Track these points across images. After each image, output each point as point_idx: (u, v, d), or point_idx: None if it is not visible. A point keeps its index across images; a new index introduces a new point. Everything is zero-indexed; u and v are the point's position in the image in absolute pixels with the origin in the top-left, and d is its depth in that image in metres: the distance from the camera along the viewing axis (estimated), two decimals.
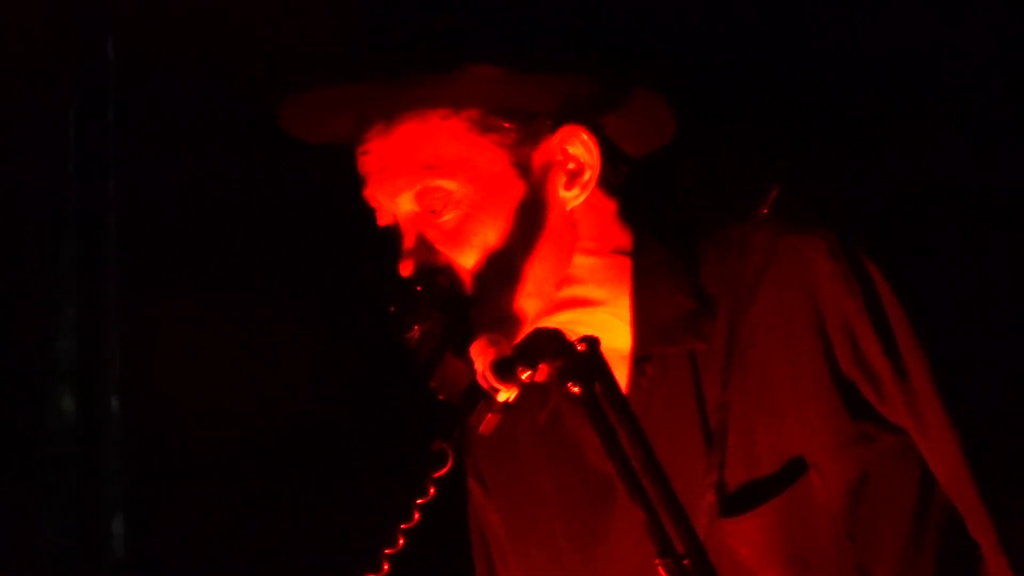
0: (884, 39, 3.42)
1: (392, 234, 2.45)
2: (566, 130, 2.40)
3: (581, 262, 2.46)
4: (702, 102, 2.76)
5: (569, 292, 2.47)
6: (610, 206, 2.45)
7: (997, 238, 2.81)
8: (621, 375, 2.46)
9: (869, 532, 2.49)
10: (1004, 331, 2.78)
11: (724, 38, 3.16)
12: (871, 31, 3.43)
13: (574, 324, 2.42)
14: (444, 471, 2.32)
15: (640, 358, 2.47)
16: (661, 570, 2.11)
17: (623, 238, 2.48)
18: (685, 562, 2.12)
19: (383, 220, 2.41)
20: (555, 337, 2.38)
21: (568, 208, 2.41)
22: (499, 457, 2.67)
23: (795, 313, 2.46)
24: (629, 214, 2.50)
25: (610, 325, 2.48)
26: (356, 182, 2.43)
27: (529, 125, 2.40)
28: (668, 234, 2.51)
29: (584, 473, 2.49)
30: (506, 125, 2.38)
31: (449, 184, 2.35)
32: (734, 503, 2.48)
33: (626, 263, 2.47)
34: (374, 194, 2.40)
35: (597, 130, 2.44)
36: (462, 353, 2.32)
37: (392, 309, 2.38)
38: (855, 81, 3.41)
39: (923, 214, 3.00)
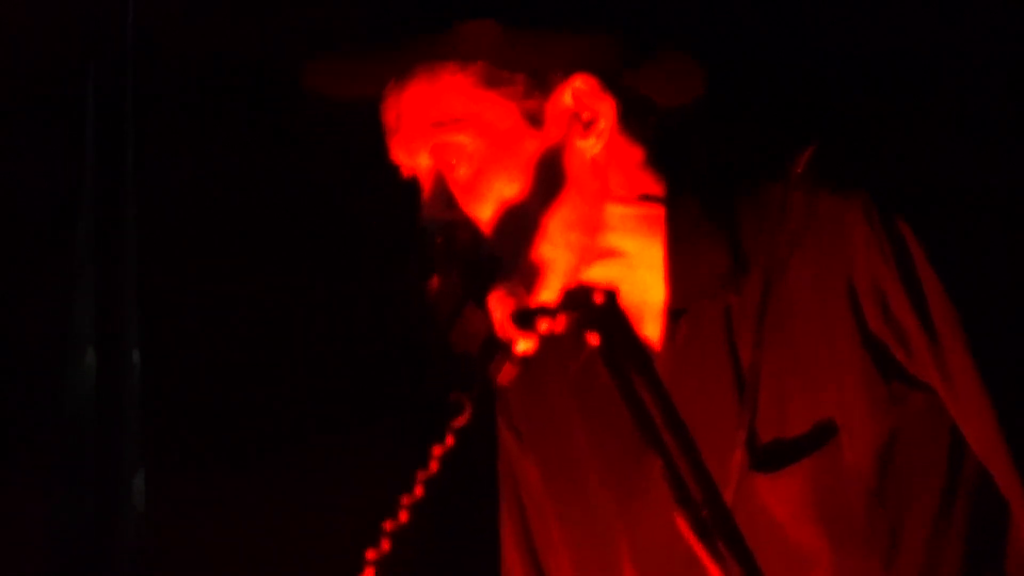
0: (884, 39, 3.43)
1: (416, 187, 2.46)
2: (576, 80, 2.40)
3: (612, 210, 2.45)
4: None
5: (602, 242, 2.47)
6: (637, 154, 2.44)
7: (997, 238, 2.80)
8: (655, 329, 2.48)
9: (899, 494, 2.49)
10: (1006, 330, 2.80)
11: (723, 38, 3.17)
12: (871, 31, 3.45)
13: (609, 277, 2.42)
14: (462, 421, 2.29)
15: (675, 312, 2.47)
16: (679, 519, 2.12)
17: (654, 187, 2.47)
18: (704, 513, 2.13)
19: (405, 174, 2.44)
20: (576, 289, 2.39)
21: (588, 157, 2.40)
22: (533, 409, 2.67)
23: (829, 275, 2.46)
24: (660, 163, 2.49)
25: (645, 279, 2.47)
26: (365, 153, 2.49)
27: (537, 77, 2.41)
28: (702, 186, 2.51)
29: (619, 426, 2.48)
30: (514, 77, 2.39)
31: (461, 139, 2.37)
32: (765, 460, 2.48)
33: (659, 213, 2.46)
34: (394, 150, 2.43)
35: (614, 79, 2.43)
36: (481, 304, 2.34)
37: (412, 260, 2.39)
38: (855, 81, 3.43)
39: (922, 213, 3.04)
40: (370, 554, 2.24)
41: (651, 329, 2.45)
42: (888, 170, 2.58)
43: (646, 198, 2.45)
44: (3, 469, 3.58)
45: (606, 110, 2.39)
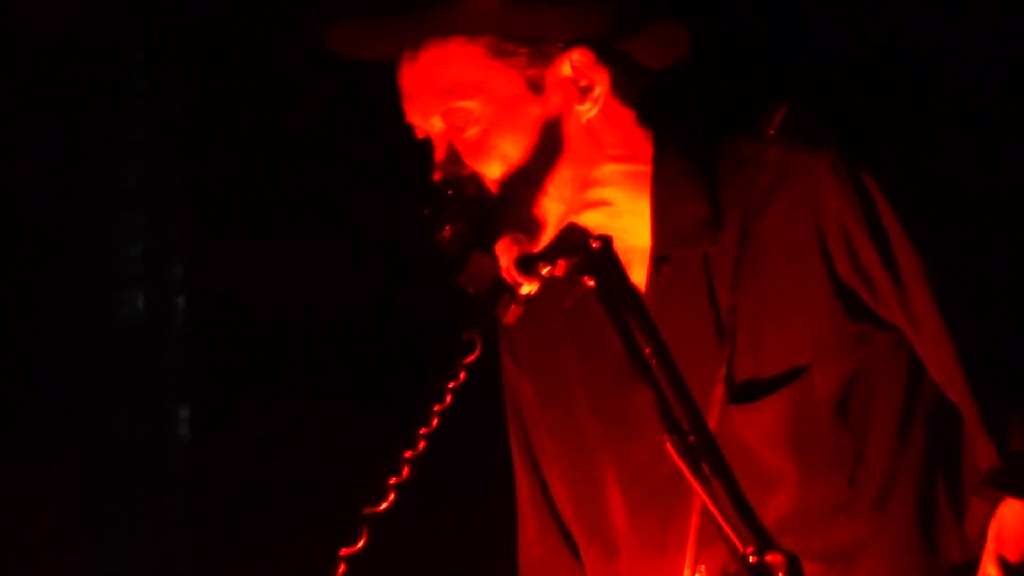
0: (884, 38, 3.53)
1: (428, 146, 2.63)
2: (575, 52, 2.58)
3: (605, 167, 2.63)
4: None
5: (594, 195, 2.64)
6: (628, 115, 2.62)
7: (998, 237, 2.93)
8: (641, 273, 2.67)
9: (863, 420, 2.68)
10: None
11: (723, 38, 3.28)
12: (871, 30, 3.53)
13: (600, 226, 2.59)
14: (473, 357, 2.48)
15: (659, 258, 2.65)
16: (668, 445, 2.25)
17: (643, 145, 2.65)
18: (691, 439, 2.27)
19: (420, 135, 2.62)
20: (574, 235, 2.56)
21: (584, 120, 2.58)
22: (531, 340, 2.85)
23: (801, 224, 2.63)
24: (648, 123, 2.66)
25: (631, 226, 2.66)
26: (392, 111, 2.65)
27: (540, 48, 2.58)
28: (686, 145, 2.68)
29: (607, 358, 2.66)
30: (518, 50, 2.57)
31: (470, 104, 2.55)
32: (742, 394, 2.66)
33: (647, 169, 2.64)
34: (410, 114, 2.61)
35: (608, 47, 2.60)
36: (488, 250, 2.50)
37: (426, 211, 2.57)
38: (855, 80, 3.51)
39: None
40: (392, 480, 2.45)
41: (637, 273, 2.63)
42: (855, 126, 2.73)
43: (635, 156, 2.64)
44: (62, 398, 3.78)
45: (601, 78, 2.58)
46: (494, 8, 2.58)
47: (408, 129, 2.69)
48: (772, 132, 2.64)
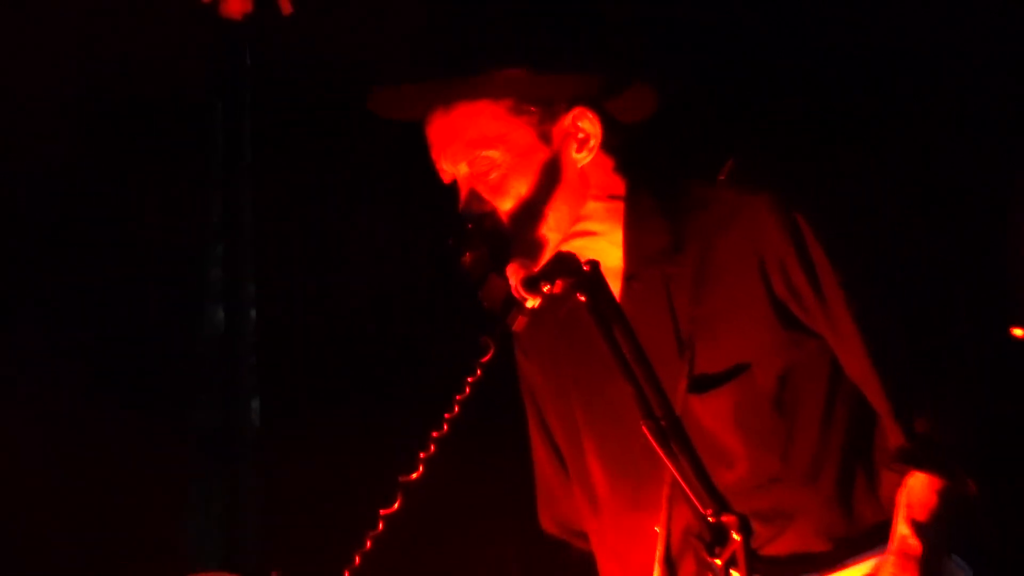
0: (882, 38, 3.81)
1: (453, 189, 3.01)
2: (577, 111, 2.99)
3: (589, 204, 3.03)
4: (686, 92, 3.27)
5: (581, 226, 3.03)
6: (609, 163, 3.02)
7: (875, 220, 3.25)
8: (615, 288, 3.04)
9: (794, 408, 3.07)
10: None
11: (724, 38, 3.64)
12: (870, 31, 3.82)
13: (583, 249, 2.98)
14: (488, 357, 2.90)
15: (629, 276, 3.06)
16: (644, 429, 2.65)
17: (620, 186, 3.05)
18: (662, 423, 2.64)
19: (446, 179, 3.01)
20: (569, 261, 2.92)
21: (579, 166, 3.00)
22: (536, 342, 3.23)
23: (745, 253, 3.03)
24: (624, 169, 3.07)
25: (608, 251, 3.05)
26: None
27: (549, 108, 2.99)
28: (653, 186, 3.08)
29: (594, 357, 3.00)
30: (532, 109, 2.97)
31: (493, 153, 2.96)
32: (700, 386, 3.04)
33: (620, 206, 3.04)
34: (439, 161, 3.00)
35: (599, 108, 3.01)
36: (501, 273, 2.91)
37: (450, 241, 2.96)
38: (850, 80, 3.82)
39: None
40: (422, 455, 2.86)
41: (614, 288, 2.98)
42: (786, 174, 3.12)
43: (613, 195, 3.05)
44: (161, 393, 4.12)
45: (595, 132, 3.00)
46: (517, 75, 2.98)
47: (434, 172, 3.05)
48: (722, 178, 3.04)
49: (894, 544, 2.98)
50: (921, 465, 2.97)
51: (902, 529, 2.95)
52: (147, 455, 4.11)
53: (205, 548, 4.16)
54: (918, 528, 2.96)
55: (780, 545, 3.06)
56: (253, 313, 4.21)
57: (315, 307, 4.20)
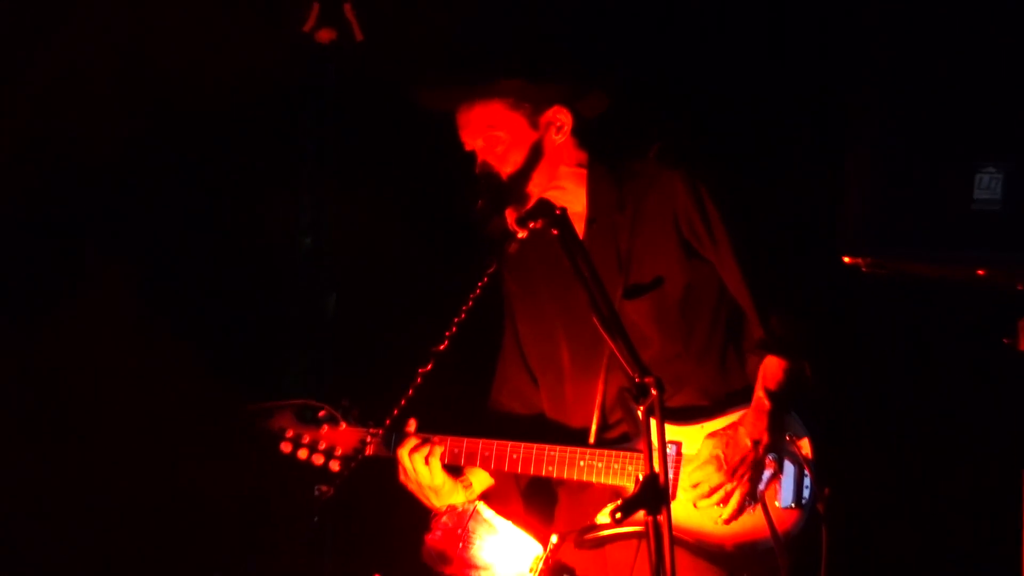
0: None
1: (471, 157, 3.85)
2: (556, 107, 3.85)
3: (561, 169, 3.88)
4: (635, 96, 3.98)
5: (556, 184, 3.88)
6: (577, 143, 3.87)
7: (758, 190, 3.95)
8: (580, 228, 3.87)
9: (693, 310, 3.86)
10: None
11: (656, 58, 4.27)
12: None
13: (557, 199, 3.71)
14: (493, 269, 3.74)
15: (591, 220, 3.90)
16: (594, 320, 3.31)
17: (583, 159, 3.90)
18: (606, 316, 3.32)
19: (468, 149, 3.83)
20: (548, 207, 3.60)
21: (556, 144, 3.86)
22: (519, 263, 3.99)
23: (664, 208, 3.85)
24: (585, 147, 3.90)
25: (575, 202, 3.90)
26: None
27: (538, 106, 3.83)
28: (605, 161, 3.89)
29: (562, 275, 3.79)
30: (526, 105, 3.82)
31: (500, 134, 3.82)
32: (631, 294, 3.85)
33: (584, 172, 3.90)
34: (464, 137, 3.84)
35: (571, 106, 3.85)
36: (502, 214, 3.79)
37: (467, 196, 3.79)
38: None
39: None
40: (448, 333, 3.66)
41: (578, 227, 3.79)
42: (695, 157, 3.90)
43: (579, 164, 3.87)
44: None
45: (568, 122, 3.87)
46: (517, 84, 3.78)
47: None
48: (652, 156, 3.88)
49: (752, 403, 3.79)
50: (773, 351, 3.79)
51: (759, 392, 3.77)
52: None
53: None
54: (769, 393, 3.79)
55: (677, 400, 3.88)
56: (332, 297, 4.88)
57: (381, 273, 4.85)
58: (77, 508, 4.63)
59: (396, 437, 3.93)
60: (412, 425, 3.92)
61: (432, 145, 4.20)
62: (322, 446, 3.98)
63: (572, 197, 3.89)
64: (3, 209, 4.56)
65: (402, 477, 3.91)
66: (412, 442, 3.87)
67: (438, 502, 3.95)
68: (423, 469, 3.87)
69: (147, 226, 4.72)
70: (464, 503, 3.91)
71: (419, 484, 3.89)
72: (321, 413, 4.01)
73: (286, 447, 4.00)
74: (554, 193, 3.85)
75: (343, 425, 4.01)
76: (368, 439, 3.92)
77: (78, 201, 4.67)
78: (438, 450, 3.88)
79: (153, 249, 4.74)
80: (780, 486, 3.80)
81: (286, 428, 4.00)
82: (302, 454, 4.00)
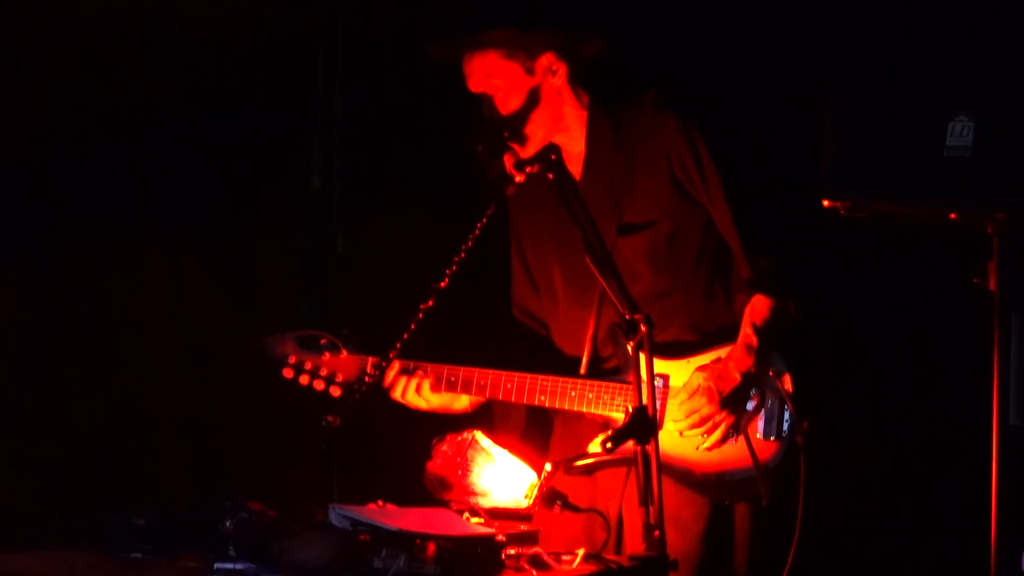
0: None
1: (479, 100, 3.98)
2: (549, 54, 3.96)
3: (567, 111, 3.99)
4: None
5: (559, 125, 3.98)
6: (575, 87, 3.99)
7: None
8: (577, 168, 4.03)
9: (680, 247, 3.97)
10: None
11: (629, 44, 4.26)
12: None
13: (561, 141, 3.93)
14: (491, 211, 3.87)
15: (587, 160, 4.03)
16: (587, 259, 3.54)
17: (584, 100, 4.01)
18: (599, 253, 3.54)
19: (474, 91, 3.94)
20: (544, 152, 3.91)
21: (555, 88, 3.97)
22: (521, 201, 4.12)
23: (658, 150, 3.96)
24: (585, 90, 4.01)
25: (575, 142, 4.02)
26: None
27: (531, 53, 3.94)
28: (605, 104, 4.00)
29: (558, 213, 3.90)
30: (519, 54, 3.93)
31: (499, 82, 3.96)
32: (624, 232, 3.97)
33: (584, 115, 4.02)
34: (470, 84, 3.96)
35: (568, 51, 3.94)
36: (502, 156, 3.93)
37: (470, 138, 3.95)
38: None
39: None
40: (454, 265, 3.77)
41: (575, 168, 3.99)
42: (688, 103, 4.01)
43: (579, 107, 3.98)
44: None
45: (562, 68, 3.98)
46: (507, 34, 3.91)
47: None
48: (647, 101, 3.97)
49: (740, 339, 3.90)
50: (761, 289, 3.89)
51: (745, 329, 3.88)
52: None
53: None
54: (756, 329, 3.89)
55: (666, 335, 3.99)
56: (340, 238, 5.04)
57: (390, 241, 4.99)
58: (99, 425, 4.75)
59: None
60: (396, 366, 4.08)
61: (440, 89, 4.29)
62: (323, 372, 4.11)
63: (574, 138, 4.04)
64: (34, 146, 4.65)
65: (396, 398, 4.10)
66: (398, 377, 4.04)
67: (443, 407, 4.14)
68: (414, 398, 4.04)
69: (168, 166, 4.82)
70: (464, 434, 4.03)
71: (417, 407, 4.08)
72: (323, 341, 4.13)
73: (288, 373, 4.13)
74: (560, 136, 4.01)
75: (343, 352, 4.12)
76: (371, 370, 4.06)
77: (102, 141, 4.72)
78: (426, 383, 4.03)
79: (174, 187, 4.85)
80: (762, 419, 3.93)
81: (289, 354, 4.13)
82: (303, 380, 4.13)
